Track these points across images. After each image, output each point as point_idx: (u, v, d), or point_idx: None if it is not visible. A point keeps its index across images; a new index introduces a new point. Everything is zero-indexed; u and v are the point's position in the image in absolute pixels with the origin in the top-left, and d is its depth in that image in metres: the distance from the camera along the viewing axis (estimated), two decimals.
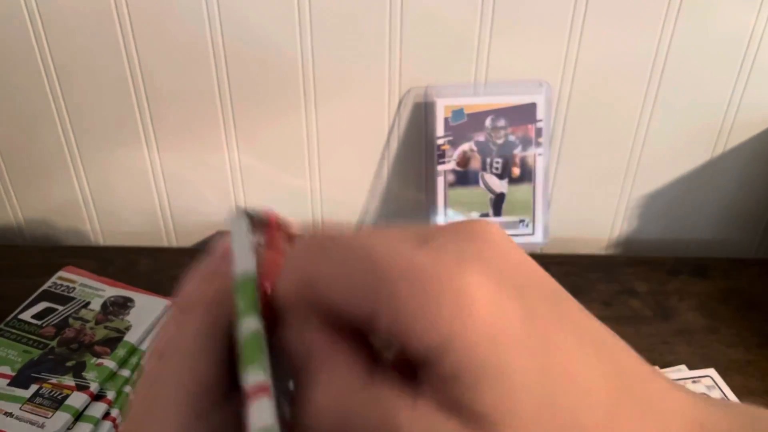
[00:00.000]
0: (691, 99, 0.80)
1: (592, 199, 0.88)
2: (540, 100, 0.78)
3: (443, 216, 0.80)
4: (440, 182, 0.79)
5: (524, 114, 0.78)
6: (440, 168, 0.79)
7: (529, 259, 0.22)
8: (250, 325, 0.21)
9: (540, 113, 0.79)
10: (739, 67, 0.78)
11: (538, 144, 0.79)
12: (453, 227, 0.21)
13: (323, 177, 0.86)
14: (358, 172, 0.86)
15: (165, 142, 0.84)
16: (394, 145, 0.84)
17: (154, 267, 0.84)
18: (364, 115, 0.82)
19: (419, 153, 0.83)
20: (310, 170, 0.86)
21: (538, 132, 0.79)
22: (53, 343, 0.70)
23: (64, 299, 0.76)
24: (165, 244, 0.92)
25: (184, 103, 0.81)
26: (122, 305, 0.75)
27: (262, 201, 0.89)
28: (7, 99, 0.81)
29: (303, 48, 0.77)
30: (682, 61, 0.77)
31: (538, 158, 0.80)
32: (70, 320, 0.73)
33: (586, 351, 0.20)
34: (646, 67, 0.78)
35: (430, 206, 0.81)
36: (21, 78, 0.79)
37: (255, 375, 0.20)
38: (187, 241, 0.92)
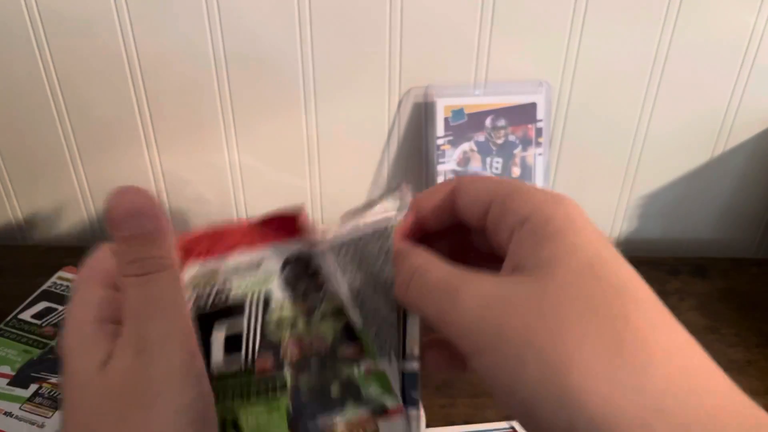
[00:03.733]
0: (691, 99, 0.80)
1: (592, 199, 0.88)
2: (540, 100, 0.78)
3: None
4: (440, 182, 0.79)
5: (524, 114, 0.78)
6: (440, 168, 0.79)
7: None
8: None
9: (540, 113, 0.79)
10: (739, 66, 0.78)
11: (538, 144, 0.79)
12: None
13: (323, 177, 0.87)
14: (358, 172, 0.86)
15: (165, 141, 0.84)
16: (394, 145, 0.84)
17: None
18: (364, 115, 0.82)
19: (419, 153, 0.83)
20: (310, 170, 0.86)
21: (538, 132, 0.79)
22: (53, 343, 0.70)
23: (64, 299, 0.76)
24: None
25: (184, 103, 0.81)
26: None
27: (261, 201, 0.89)
28: (7, 98, 0.81)
29: (303, 48, 0.77)
30: (682, 61, 0.77)
31: (538, 158, 0.80)
32: None
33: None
34: (646, 67, 0.78)
35: None
36: (21, 77, 0.79)
37: None
38: None
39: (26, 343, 0.70)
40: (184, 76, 0.79)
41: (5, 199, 0.89)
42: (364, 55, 0.77)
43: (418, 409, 0.29)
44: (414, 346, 0.29)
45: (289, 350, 0.30)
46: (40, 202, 0.89)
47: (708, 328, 0.76)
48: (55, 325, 0.72)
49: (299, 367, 0.30)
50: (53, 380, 0.65)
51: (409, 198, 0.31)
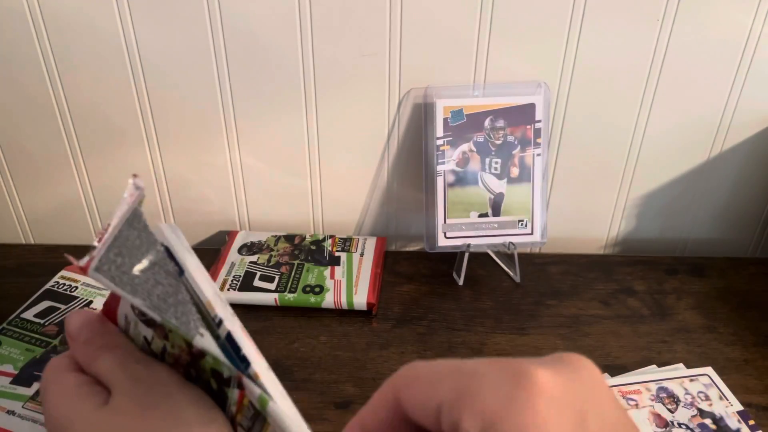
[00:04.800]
0: (688, 100, 0.80)
1: (590, 199, 0.88)
2: (539, 101, 0.79)
3: (443, 217, 0.80)
4: (440, 182, 0.79)
5: (523, 114, 0.79)
6: (440, 168, 0.79)
7: (613, 398, 0.23)
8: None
9: (539, 114, 0.79)
10: (737, 67, 0.78)
11: (537, 144, 0.80)
12: (552, 356, 0.24)
13: (323, 177, 0.87)
14: (358, 172, 0.87)
15: (166, 142, 0.84)
16: (394, 145, 0.84)
17: None
18: (364, 115, 0.82)
19: (419, 153, 0.83)
20: (311, 170, 0.86)
21: (537, 132, 0.79)
22: (56, 342, 0.70)
23: (66, 298, 0.76)
24: None
25: (186, 104, 0.81)
26: None
27: (262, 200, 0.89)
28: (11, 100, 0.81)
29: (304, 49, 0.77)
30: (679, 62, 0.78)
31: (537, 158, 0.80)
32: None
33: None
34: (644, 68, 0.78)
35: (429, 206, 0.82)
36: (24, 79, 0.80)
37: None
38: (189, 241, 0.92)
39: (29, 342, 0.70)
40: (185, 77, 0.79)
41: (8, 199, 0.90)
42: (365, 56, 0.78)
43: (253, 364, 0.28)
44: (213, 306, 0.28)
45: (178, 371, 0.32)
46: (43, 202, 0.90)
47: (706, 327, 0.76)
48: (58, 325, 0.73)
49: (188, 379, 0.32)
50: None
51: (141, 183, 0.30)
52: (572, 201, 0.88)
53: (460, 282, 0.83)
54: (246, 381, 0.28)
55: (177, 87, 0.80)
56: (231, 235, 0.88)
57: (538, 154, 0.80)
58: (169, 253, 0.30)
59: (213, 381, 0.30)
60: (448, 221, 0.80)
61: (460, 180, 0.80)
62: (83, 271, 0.29)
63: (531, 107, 0.79)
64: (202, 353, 0.30)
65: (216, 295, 0.29)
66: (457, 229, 0.81)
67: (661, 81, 0.79)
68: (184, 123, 0.83)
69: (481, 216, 0.81)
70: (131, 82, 0.80)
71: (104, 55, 0.78)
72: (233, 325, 0.28)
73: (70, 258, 0.30)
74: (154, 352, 0.32)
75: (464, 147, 0.79)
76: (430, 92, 0.79)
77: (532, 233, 0.82)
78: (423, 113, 0.80)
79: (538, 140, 0.80)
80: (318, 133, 0.83)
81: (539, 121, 0.79)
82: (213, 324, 0.28)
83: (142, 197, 0.30)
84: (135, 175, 0.30)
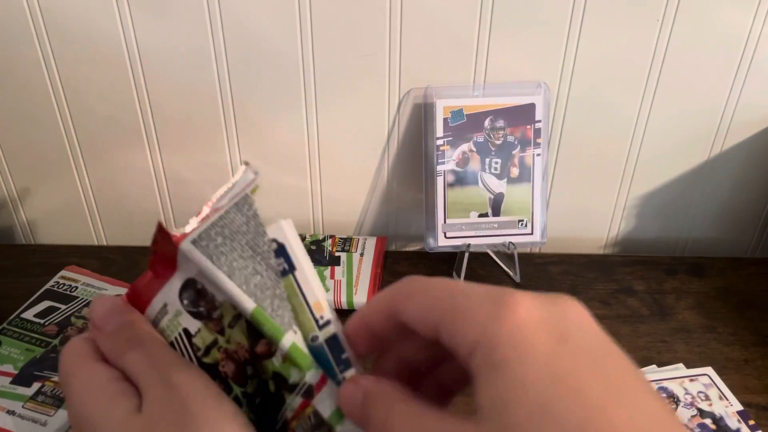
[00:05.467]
0: (688, 99, 0.81)
1: (590, 199, 0.88)
2: (539, 101, 0.79)
3: (443, 217, 0.80)
4: (440, 182, 0.79)
5: (523, 114, 0.79)
6: (439, 168, 0.79)
7: (598, 331, 0.24)
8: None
9: (539, 114, 0.79)
10: (737, 67, 0.78)
11: (537, 144, 0.80)
12: (545, 294, 0.25)
13: (323, 177, 0.87)
14: (358, 172, 0.87)
15: (167, 142, 0.84)
16: (394, 145, 0.84)
17: None
18: (364, 115, 0.82)
19: (419, 153, 0.83)
20: (311, 170, 0.86)
21: (537, 132, 0.79)
22: (55, 342, 0.70)
23: (66, 298, 0.76)
24: None
25: (186, 104, 0.81)
26: None
27: (262, 201, 0.89)
28: (11, 100, 0.81)
29: (303, 48, 0.77)
30: (679, 62, 0.78)
31: (537, 158, 0.80)
32: (73, 319, 0.74)
33: (615, 394, 0.22)
34: (644, 68, 0.78)
35: (429, 206, 0.82)
36: (24, 79, 0.80)
37: None
38: None
39: (29, 342, 0.70)
40: (185, 78, 0.79)
41: (8, 199, 0.90)
42: (365, 56, 0.78)
43: (353, 368, 0.29)
44: (322, 308, 0.29)
45: (226, 368, 0.31)
46: (43, 202, 0.90)
47: (705, 327, 0.76)
48: (58, 324, 0.73)
49: (239, 378, 0.30)
50: (55, 379, 0.66)
51: (256, 170, 0.30)
52: (572, 201, 0.88)
53: None
54: (322, 394, 0.28)
55: (177, 87, 0.80)
56: None
57: (538, 154, 0.80)
58: (282, 250, 0.30)
59: (272, 383, 0.30)
60: (448, 221, 0.80)
61: (460, 180, 0.80)
62: (176, 241, 0.28)
63: (531, 107, 0.79)
64: (265, 353, 0.29)
65: (324, 297, 0.29)
66: (457, 229, 0.81)
67: (661, 81, 0.79)
68: (184, 123, 0.83)
69: (481, 216, 0.81)
70: (131, 82, 0.80)
71: (104, 55, 0.78)
72: (338, 328, 0.29)
73: (163, 225, 0.28)
74: (195, 345, 0.31)
75: (464, 147, 0.79)
76: (430, 92, 0.79)
77: (532, 233, 0.82)
78: (423, 113, 0.80)
79: (538, 140, 0.80)
80: (318, 133, 0.83)
81: (539, 121, 0.79)
82: (317, 325, 0.29)
83: (256, 186, 0.30)
84: (247, 163, 0.31)
